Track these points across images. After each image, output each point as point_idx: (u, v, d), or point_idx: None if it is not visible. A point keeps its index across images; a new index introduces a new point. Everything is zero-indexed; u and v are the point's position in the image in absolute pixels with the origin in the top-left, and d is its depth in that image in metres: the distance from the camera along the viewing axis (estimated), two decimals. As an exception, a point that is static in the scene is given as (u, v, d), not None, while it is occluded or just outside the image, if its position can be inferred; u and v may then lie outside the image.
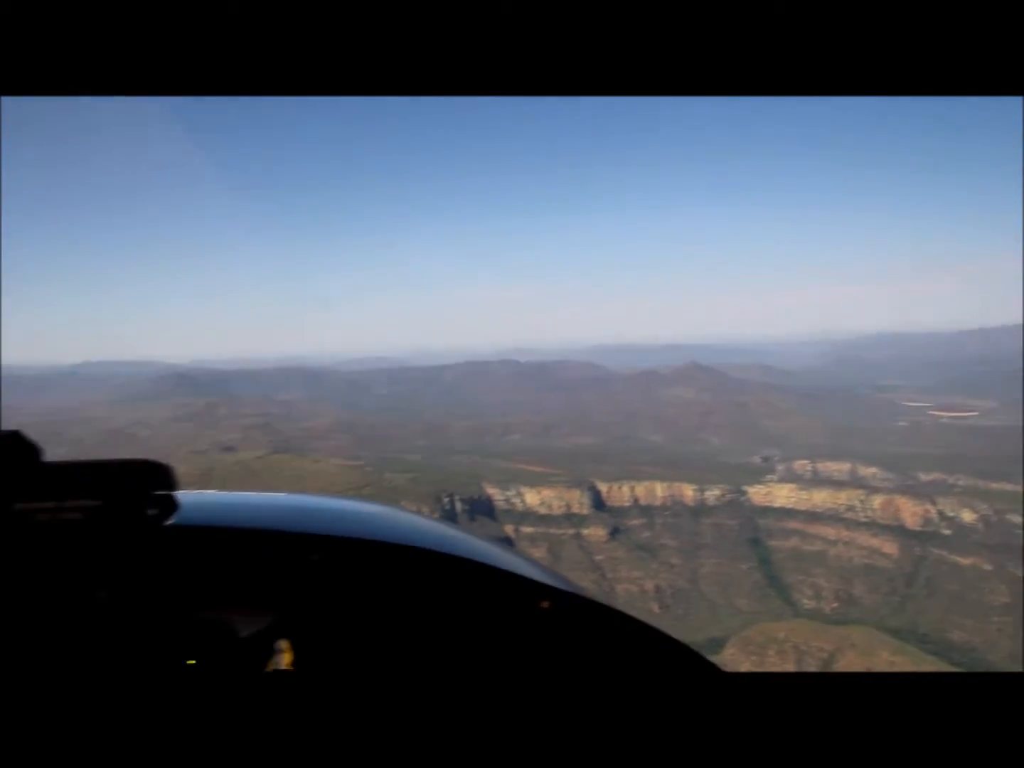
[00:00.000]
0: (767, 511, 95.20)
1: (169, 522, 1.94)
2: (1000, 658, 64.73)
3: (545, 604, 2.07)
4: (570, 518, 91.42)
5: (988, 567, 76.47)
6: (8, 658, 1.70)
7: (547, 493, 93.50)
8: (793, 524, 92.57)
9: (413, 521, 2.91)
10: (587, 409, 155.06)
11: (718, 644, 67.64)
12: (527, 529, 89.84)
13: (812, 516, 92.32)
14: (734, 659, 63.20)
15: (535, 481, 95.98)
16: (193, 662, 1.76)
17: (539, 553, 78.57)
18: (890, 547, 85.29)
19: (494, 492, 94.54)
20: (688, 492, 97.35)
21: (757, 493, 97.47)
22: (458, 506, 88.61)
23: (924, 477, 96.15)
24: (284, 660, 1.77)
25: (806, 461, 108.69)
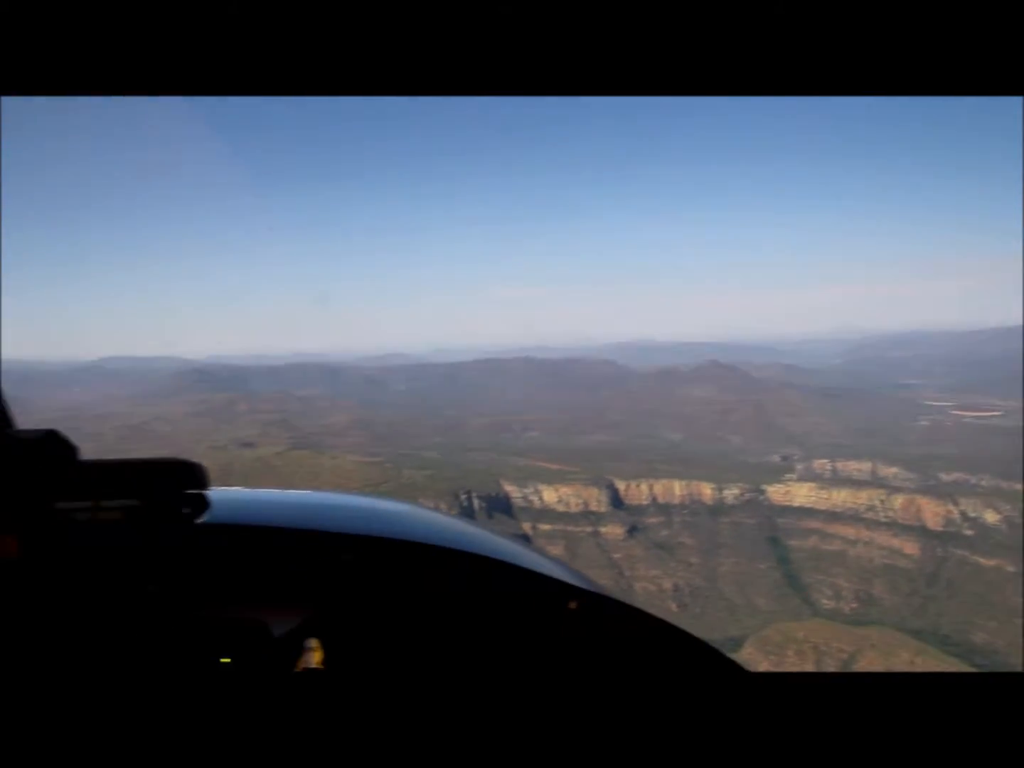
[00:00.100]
0: (786, 510, 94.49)
1: (204, 520, 1.99)
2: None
3: (573, 605, 2.09)
4: (588, 516, 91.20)
5: (1012, 568, 75.47)
6: (50, 655, 1.74)
7: (565, 491, 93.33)
8: (812, 523, 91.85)
9: (440, 520, 2.88)
10: (605, 407, 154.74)
11: (736, 643, 67.21)
12: (545, 526, 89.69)
13: (832, 516, 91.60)
14: (752, 658, 62.83)
15: (553, 478, 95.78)
16: (227, 660, 1.80)
17: (556, 551, 78.41)
18: (911, 547, 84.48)
19: (512, 489, 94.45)
20: (707, 491, 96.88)
21: (776, 492, 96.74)
22: (476, 503, 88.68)
23: (946, 477, 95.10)
24: (315, 659, 1.82)
25: (826, 460, 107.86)
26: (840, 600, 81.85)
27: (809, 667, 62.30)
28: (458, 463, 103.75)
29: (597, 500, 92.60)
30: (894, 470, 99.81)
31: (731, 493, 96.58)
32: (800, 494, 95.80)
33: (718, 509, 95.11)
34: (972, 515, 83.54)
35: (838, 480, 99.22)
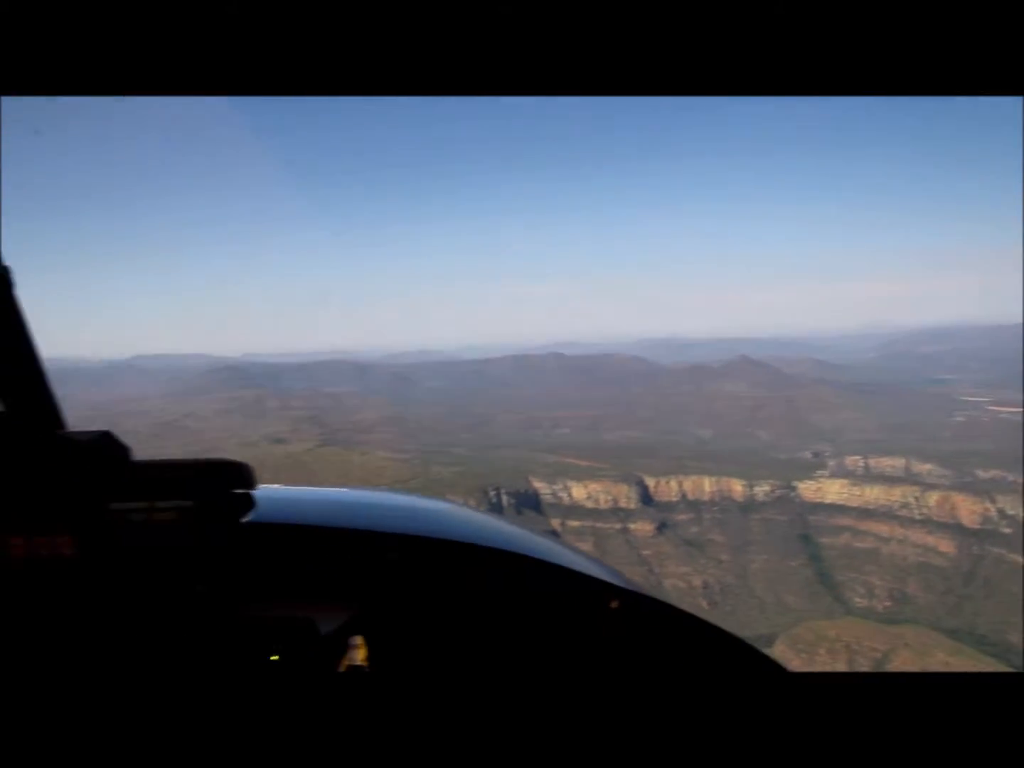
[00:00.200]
0: (818, 507, 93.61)
1: (251, 519, 2.02)
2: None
3: (614, 604, 2.11)
4: (617, 512, 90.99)
5: (1050, 567, 74.22)
6: (104, 654, 1.81)
7: (594, 487, 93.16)
8: (845, 521, 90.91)
9: (479, 519, 2.90)
10: (634, 403, 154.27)
11: (767, 641, 66.74)
12: (573, 523, 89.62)
13: (864, 513, 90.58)
14: (783, 656, 62.22)
15: (582, 475, 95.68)
16: (276, 658, 1.86)
17: (585, 547, 78.17)
18: (946, 545, 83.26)
19: (541, 486, 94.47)
20: (737, 487, 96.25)
21: (807, 489, 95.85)
22: (504, 500, 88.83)
23: (982, 474, 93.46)
24: (361, 656, 1.85)
25: (858, 457, 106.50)
26: (873, 598, 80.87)
27: (841, 666, 61.69)
28: (487, 459, 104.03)
29: (626, 497, 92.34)
30: (928, 467, 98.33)
31: (762, 490, 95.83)
32: (832, 491, 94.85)
33: (748, 506, 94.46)
34: (1010, 513, 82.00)
35: (871, 477, 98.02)
